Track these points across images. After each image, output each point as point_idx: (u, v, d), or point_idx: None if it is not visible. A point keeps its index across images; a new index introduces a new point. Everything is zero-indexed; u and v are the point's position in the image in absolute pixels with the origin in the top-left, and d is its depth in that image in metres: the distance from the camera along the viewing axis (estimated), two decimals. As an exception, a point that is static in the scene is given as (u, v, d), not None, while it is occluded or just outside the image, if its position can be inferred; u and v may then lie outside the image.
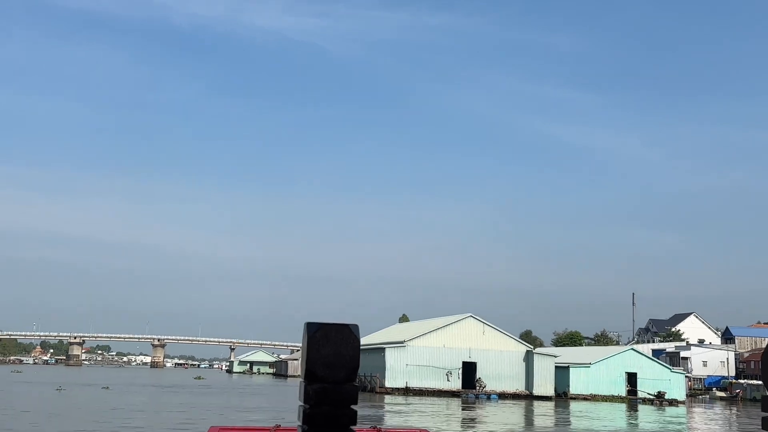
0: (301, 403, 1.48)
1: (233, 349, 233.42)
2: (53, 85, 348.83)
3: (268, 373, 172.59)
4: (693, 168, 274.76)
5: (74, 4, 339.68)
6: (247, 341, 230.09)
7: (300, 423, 1.44)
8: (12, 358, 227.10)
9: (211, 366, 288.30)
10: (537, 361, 74.27)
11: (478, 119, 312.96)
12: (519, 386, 74.10)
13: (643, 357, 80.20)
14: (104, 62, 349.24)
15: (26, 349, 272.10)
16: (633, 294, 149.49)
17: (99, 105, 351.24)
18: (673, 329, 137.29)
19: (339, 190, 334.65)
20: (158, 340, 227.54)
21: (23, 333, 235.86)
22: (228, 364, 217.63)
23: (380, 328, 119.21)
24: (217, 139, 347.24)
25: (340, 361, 1.47)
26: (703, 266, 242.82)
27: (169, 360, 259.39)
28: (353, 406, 1.40)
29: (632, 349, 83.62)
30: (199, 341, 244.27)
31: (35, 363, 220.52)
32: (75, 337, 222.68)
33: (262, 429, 4.91)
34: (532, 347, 78.02)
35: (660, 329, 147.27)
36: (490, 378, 73.28)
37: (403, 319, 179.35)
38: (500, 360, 74.29)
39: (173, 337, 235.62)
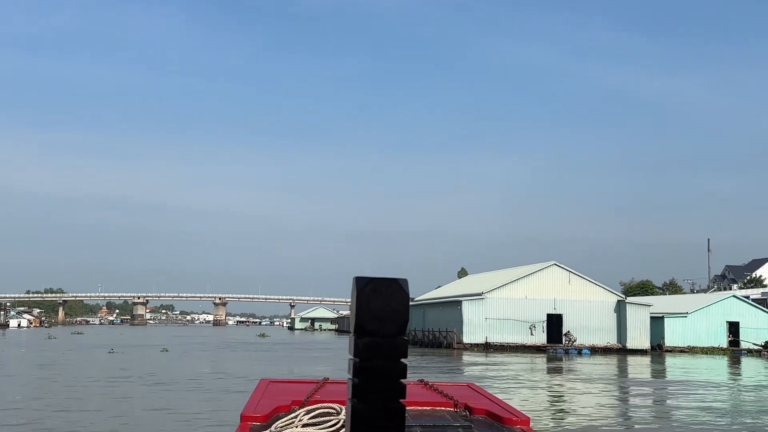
0: (351, 357, 1.51)
1: (293, 306, 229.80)
2: (107, 50, 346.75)
3: (330, 330, 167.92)
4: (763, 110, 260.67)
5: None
6: (307, 298, 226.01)
7: (350, 376, 1.48)
8: (78, 319, 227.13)
9: (272, 323, 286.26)
10: (630, 311, 66.26)
11: (533, 69, 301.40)
12: (610, 339, 66.31)
13: (745, 304, 71.15)
14: (158, 25, 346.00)
15: (92, 310, 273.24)
16: (708, 240, 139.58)
17: (154, 68, 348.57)
18: (753, 275, 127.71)
19: (395, 147, 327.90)
20: (220, 299, 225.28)
21: (89, 294, 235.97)
22: (289, 321, 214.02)
23: (437, 284, 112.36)
24: (272, 101, 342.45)
25: (390, 315, 1.45)
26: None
27: (231, 318, 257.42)
28: (403, 360, 1.46)
29: (734, 296, 74.69)
30: (259, 299, 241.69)
31: (101, 323, 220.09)
32: (139, 298, 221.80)
33: (311, 381, 4.61)
34: (623, 296, 69.94)
35: (738, 276, 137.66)
36: (578, 331, 65.64)
37: (462, 273, 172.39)
38: (589, 311, 66.51)
39: (234, 296, 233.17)
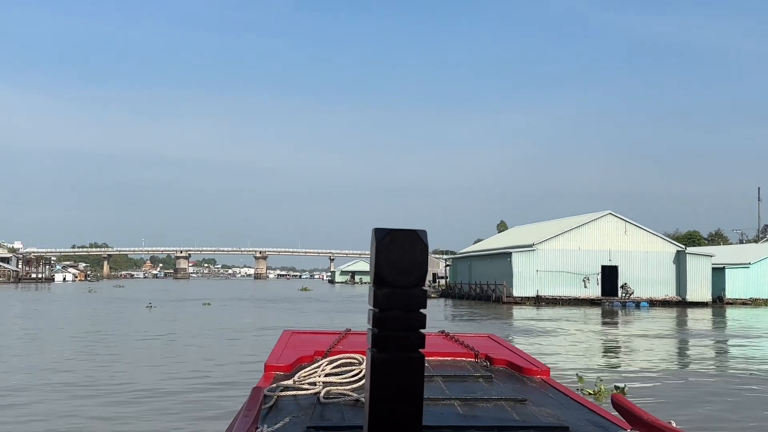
0: (371, 307, 1.53)
1: (332, 259, 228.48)
2: (155, 10, 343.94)
3: (369, 283, 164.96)
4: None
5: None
6: (346, 252, 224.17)
7: (370, 326, 1.51)
8: (123, 273, 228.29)
9: (311, 276, 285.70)
10: (690, 262, 61.91)
11: (572, 17, 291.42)
12: (669, 292, 62.22)
13: (811, 254, 66.59)
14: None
15: (136, 264, 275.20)
16: (758, 188, 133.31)
17: (194, 26, 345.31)
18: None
19: (431, 101, 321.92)
20: (260, 253, 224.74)
21: (133, 249, 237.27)
22: (329, 274, 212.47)
23: (476, 237, 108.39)
24: (307, 56, 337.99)
25: (409, 266, 1.45)
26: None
27: (271, 271, 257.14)
28: (422, 311, 1.46)
29: (799, 245, 70.16)
30: (299, 253, 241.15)
31: (145, 277, 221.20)
32: (181, 252, 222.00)
33: (333, 333, 4.64)
34: (683, 246, 65.58)
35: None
36: (635, 283, 61.62)
37: (501, 225, 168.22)
38: (646, 262, 62.37)
39: (274, 249, 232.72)
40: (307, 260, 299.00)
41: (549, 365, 3.84)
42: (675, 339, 29.67)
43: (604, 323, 39.25)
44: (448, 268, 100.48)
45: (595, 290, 61.79)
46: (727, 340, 29.28)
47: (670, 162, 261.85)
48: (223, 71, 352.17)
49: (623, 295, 60.79)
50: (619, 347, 25.24)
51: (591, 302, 60.14)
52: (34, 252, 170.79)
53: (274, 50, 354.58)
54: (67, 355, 19.30)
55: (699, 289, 61.37)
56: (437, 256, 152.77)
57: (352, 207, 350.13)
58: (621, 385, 13.20)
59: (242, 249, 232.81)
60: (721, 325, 39.18)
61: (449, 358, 4.01)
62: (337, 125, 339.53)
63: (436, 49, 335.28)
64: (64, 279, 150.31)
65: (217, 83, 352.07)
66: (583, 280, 61.70)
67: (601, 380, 13.30)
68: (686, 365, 20.56)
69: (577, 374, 14.40)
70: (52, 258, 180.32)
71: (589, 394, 12.26)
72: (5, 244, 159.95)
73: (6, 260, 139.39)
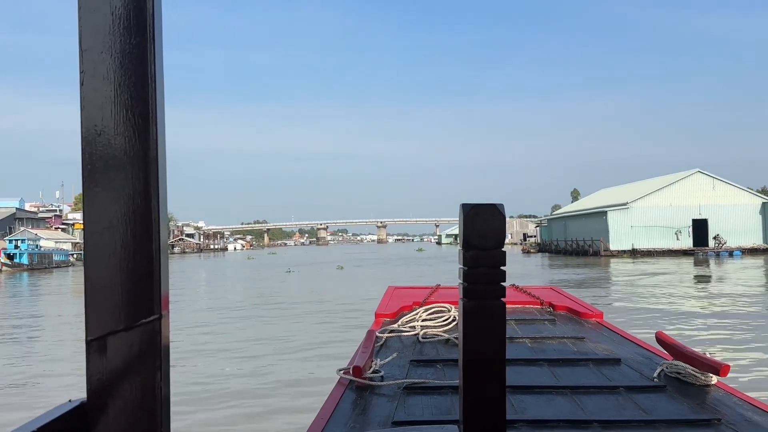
0: (461, 266, 1.50)
1: (437, 225, 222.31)
2: (284, 39, 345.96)
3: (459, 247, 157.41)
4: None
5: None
6: (448, 219, 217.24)
7: (460, 281, 1.49)
8: (278, 242, 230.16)
9: (421, 239, 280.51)
10: (777, 212, 51.65)
11: (627, 19, 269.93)
12: (756, 240, 52.11)
13: None
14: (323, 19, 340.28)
15: (288, 235, 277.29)
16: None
17: (324, 49, 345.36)
18: None
19: (511, 95, 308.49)
20: (381, 222, 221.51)
21: (285, 223, 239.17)
22: (437, 237, 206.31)
23: (554, 203, 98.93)
24: (418, 65, 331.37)
25: (489, 232, 1.45)
26: None
27: (390, 237, 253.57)
28: (502, 267, 1.48)
29: None
30: (411, 221, 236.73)
31: (295, 245, 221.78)
32: (321, 224, 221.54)
33: (427, 287, 4.41)
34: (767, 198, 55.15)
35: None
36: (724, 234, 51.86)
37: (575, 193, 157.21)
38: (733, 215, 52.42)
39: (392, 220, 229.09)
40: (418, 227, 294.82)
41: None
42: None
43: (704, 277, 30.92)
44: (538, 228, 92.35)
45: (686, 242, 52.47)
46: None
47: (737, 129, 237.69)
48: (348, 85, 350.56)
49: (716, 245, 51.10)
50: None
51: (683, 253, 50.98)
52: (213, 228, 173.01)
53: (385, 66, 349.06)
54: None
55: (786, 236, 50.96)
56: (527, 219, 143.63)
57: (449, 183, 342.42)
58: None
59: (367, 220, 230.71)
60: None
61: (520, 306, 3.94)
62: (438, 120, 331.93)
63: (525, 54, 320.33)
64: (235, 249, 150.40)
65: (344, 96, 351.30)
66: (675, 233, 52.45)
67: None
68: None
69: None
70: (226, 233, 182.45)
71: None
72: (192, 223, 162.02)
73: (191, 236, 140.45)
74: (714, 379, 2.13)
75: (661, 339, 2.46)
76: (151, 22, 0.86)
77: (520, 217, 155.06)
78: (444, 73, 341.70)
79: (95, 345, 0.86)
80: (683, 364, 2.20)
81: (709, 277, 28.62)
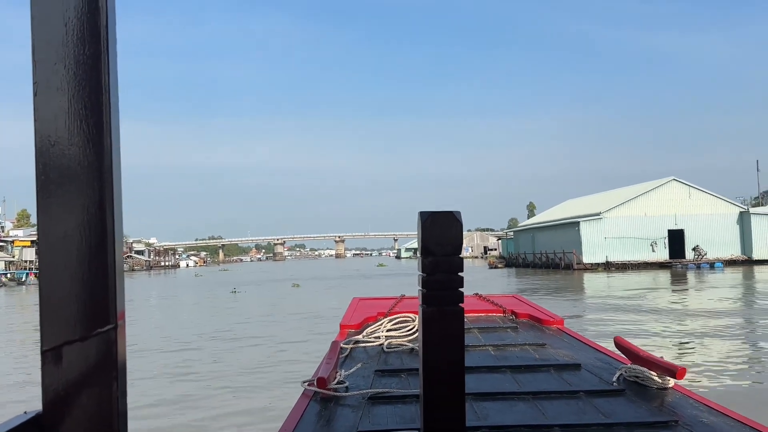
0: (420, 273, 1.57)
1: (396, 239, 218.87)
2: (239, 53, 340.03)
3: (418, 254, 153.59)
4: None
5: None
6: (406, 233, 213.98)
7: (420, 287, 1.56)
8: (234, 258, 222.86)
9: (380, 254, 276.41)
10: (755, 222, 48.70)
11: (575, 38, 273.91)
12: (734, 252, 49.15)
13: None
14: (280, 32, 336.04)
15: (244, 250, 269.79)
16: (757, 161, 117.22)
17: (279, 65, 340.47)
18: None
19: (463, 111, 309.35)
20: (339, 237, 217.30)
21: (241, 239, 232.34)
22: (396, 251, 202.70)
23: (510, 216, 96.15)
24: (375, 80, 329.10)
25: (447, 239, 1.52)
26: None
27: (348, 251, 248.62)
28: (460, 273, 1.55)
29: None
30: (369, 236, 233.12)
31: (251, 261, 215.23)
32: (278, 239, 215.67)
33: (392, 298, 4.46)
34: (746, 207, 52.24)
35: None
36: (701, 245, 48.72)
37: (530, 206, 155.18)
38: (710, 225, 49.40)
39: (350, 234, 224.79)
40: (376, 241, 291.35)
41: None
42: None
43: (688, 287, 27.26)
44: (499, 241, 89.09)
45: (663, 254, 49.12)
46: None
47: (673, 146, 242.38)
48: (304, 100, 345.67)
49: (696, 256, 47.85)
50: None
51: (660, 265, 47.60)
52: (165, 245, 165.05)
53: (342, 82, 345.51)
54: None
55: (765, 247, 48.03)
56: (486, 232, 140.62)
57: (406, 197, 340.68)
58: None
59: (325, 235, 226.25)
60: None
61: (483, 314, 3.93)
62: (395, 135, 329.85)
63: (474, 72, 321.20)
64: (187, 265, 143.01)
65: (300, 109, 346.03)
66: (651, 245, 49.06)
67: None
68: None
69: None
70: (180, 249, 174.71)
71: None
72: (143, 240, 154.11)
73: (141, 252, 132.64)
74: (671, 382, 2.13)
75: (619, 343, 2.45)
76: (104, 33, 0.86)
77: (478, 230, 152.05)
78: (400, 88, 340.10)
79: (50, 355, 0.84)
80: (641, 368, 2.21)
81: (687, 290, 24.64)
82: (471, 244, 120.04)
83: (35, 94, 0.84)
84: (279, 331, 15.95)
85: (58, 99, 0.84)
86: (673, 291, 26.79)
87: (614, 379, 2.26)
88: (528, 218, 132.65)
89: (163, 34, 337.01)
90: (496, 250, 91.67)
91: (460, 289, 1.53)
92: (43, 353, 0.83)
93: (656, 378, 2.14)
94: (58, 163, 0.84)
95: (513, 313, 3.86)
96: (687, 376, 2.07)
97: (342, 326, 3.57)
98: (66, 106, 0.84)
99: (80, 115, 0.84)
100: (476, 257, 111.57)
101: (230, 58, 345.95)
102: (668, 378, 2.13)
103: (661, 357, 2.22)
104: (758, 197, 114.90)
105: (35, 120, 0.84)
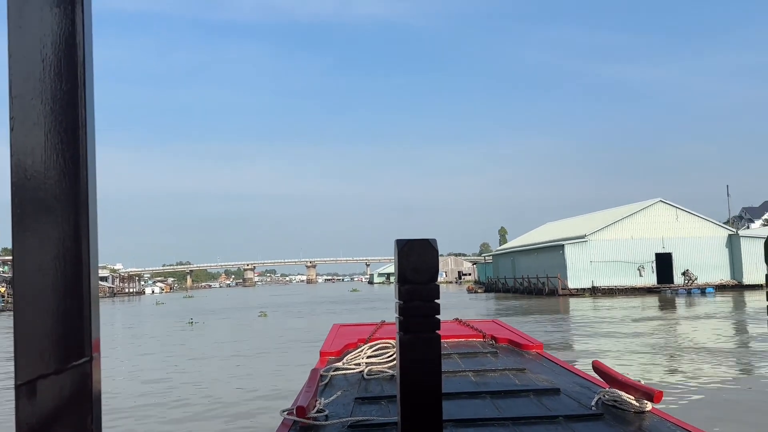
0: (397, 300, 1.59)
1: (368, 264, 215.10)
2: (216, 80, 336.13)
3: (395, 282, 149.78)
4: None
5: (222, 16, 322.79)
6: (379, 258, 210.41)
7: (397, 315, 1.58)
8: (203, 284, 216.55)
9: (352, 279, 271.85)
10: (745, 245, 46.60)
11: (540, 69, 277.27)
12: (723, 276, 46.90)
13: None
14: (251, 59, 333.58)
15: (213, 276, 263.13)
16: (727, 186, 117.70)
17: (250, 92, 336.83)
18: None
19: (433, 138, 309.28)
20: (310, 262, 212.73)
21: (210, 264, 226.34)
22: (368, 276, 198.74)
23: (482, 241, 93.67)
24: (339, 112, 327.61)
25: (424, 266, 1.55)
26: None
27: (320, 277, 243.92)
28: (436, 300, 1.58)
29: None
30: (341, 260, 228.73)
31: (220, 287, 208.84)
32: (248, 265, 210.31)
33: (372, 324, 4.36)
34: (734, 230, 50.20)
35: (755, 216, 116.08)
36: (689, 269, 46.34)
37: (502, 231, 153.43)
38: (699, 248, 47.15)
39: (321, 259, 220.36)
40: (348, 266, 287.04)
41: None
42: None
43: (690, 317, 24.39)
44: (474, 266, 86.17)
45: (650, 278, 46.63)
46: None
47: (644, 172, 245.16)
48: (274, 126, 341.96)
49: (686, 282, 45.39)
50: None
51: (648, 290, 45.09)
52: (131, 271, 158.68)
53: (312, 109, 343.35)
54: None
55: (756, 270, 45.89)
56: (461, 257, 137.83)
57: (379, 222, 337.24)
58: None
59: (296, 260, 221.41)
60: None
61: (463, 339, 3.91)
62: (362, 162, 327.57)
63: (436, 100, 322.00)
64: (153, 291, 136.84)
65: (270, 135, 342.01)
66: (638, 269, 46.51)
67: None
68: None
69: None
70: (146, 275, 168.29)
71: None
72: (108, 266, 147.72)
73: (105, 279, 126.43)
74: (648, 405, 2.13)
75: (597, 368, 2.46)
76: (81, 69, 0.86)
77: (450, 255, 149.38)
78: (371, 115, 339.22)
79: (25, 389, 0.82)
80: (619, 392, 2.22)
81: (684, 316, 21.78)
82: (445, 268, 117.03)
83: (12, 129, 0.83)
84: (225, 391, 12.35)
85: (34, 134, 0.83)
86: (670, 321, 23.88)
87: (593, 403, 2.24)
88: (500, 243, 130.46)
89: (133, 59, 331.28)
90: (470, 275, 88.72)
91: (437, 316, 1.52)
92: (18, 387, 0.81)
93: (634, 402, 2.13)
94: (33, 196, 0.83)
95: (493, 338, 3.82)
96: (663, 399, 2.04)
97: (322, 353, 3.51)
98: (43, 140, 0.84)
99: (57, 149, 0.84)
100: (451, 282, 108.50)
101: (200, 85, 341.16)
102: (646, 402, 2.11)
103: (639, 381, 2.20)
104: (728, 221, 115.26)
105: (11, 155, 0.83)
